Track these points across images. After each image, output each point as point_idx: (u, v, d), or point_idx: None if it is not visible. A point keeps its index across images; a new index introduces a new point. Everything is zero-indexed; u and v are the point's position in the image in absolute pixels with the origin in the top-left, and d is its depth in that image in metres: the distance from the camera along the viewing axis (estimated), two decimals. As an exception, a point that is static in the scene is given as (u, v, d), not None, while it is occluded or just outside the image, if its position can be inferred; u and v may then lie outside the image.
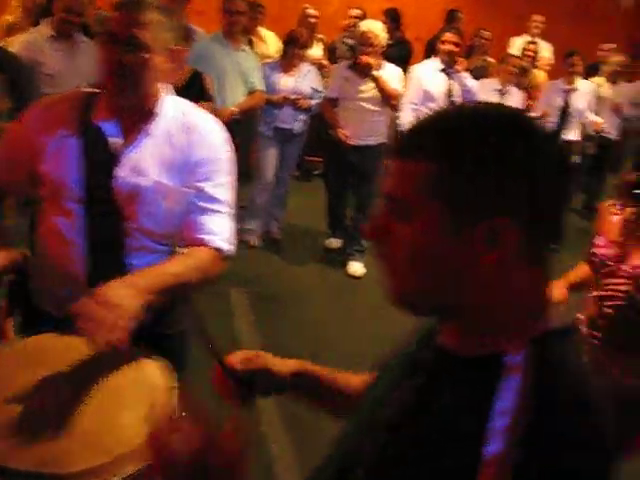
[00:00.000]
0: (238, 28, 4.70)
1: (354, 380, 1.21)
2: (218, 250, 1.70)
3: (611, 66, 6.66)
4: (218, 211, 1.70)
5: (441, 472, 0.73)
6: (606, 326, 2.35)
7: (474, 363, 0.80)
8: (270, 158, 5.08)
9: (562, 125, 5.94)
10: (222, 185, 1.71)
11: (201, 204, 1.68)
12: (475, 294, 0.80)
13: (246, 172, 5.99)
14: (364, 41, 4.60)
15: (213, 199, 1.69)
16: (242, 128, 5.11)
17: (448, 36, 5.02)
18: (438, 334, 0.88)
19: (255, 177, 5.23)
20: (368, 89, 4.67)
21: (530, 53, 6.48)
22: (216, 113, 4.17)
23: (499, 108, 0.88)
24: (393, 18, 6.18)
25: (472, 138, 0.79)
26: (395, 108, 4.89)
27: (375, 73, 4.60)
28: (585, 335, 2.46)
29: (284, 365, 1.23)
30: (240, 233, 5.16)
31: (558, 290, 2.36)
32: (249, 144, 5.81)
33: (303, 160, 6.37)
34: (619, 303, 2.31)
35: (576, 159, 6.29)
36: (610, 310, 2.33)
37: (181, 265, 1.63)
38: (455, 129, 0.81)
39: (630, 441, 2.47)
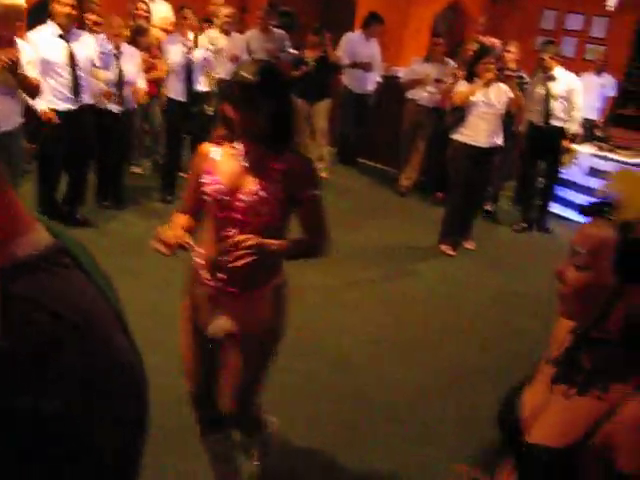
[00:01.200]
0: None
1: None
2: None
3: (222, 19, 7.06)
4: None
5: None
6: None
7: None
8: None
9: (190, 77, 6.21)
10: None
11: None
12: None
13: None
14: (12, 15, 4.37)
15: None
16: None
17: None
18: None
19: None
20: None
21: (142, 13, 6.55)
22: None
23: None
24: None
25: None
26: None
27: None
28: (204, 278, 2.41)
29: None
30: None
31: (179, 232, 2.29)
32: None
33: None
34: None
35: (209, 110, 6.64)
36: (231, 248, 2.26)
37: None
38: None
39: None
